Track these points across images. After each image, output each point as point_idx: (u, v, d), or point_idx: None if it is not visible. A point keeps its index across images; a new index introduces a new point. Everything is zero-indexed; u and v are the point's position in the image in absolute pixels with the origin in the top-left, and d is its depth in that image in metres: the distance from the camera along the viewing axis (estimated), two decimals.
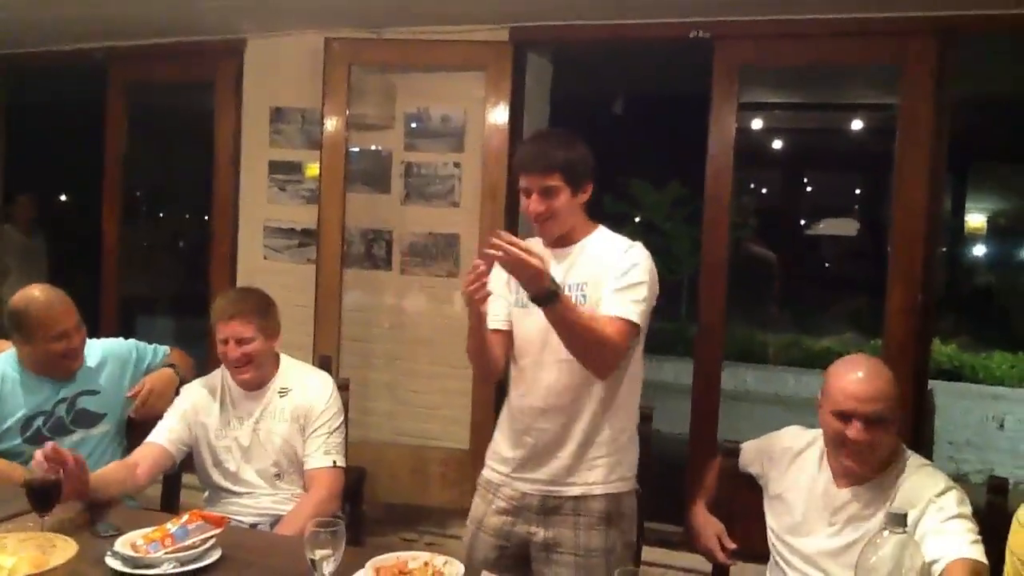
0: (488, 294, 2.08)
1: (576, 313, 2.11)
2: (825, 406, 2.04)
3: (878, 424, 1.96)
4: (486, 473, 2.44)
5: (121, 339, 3.03)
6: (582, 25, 4.05)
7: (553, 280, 2.04)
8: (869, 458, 1.99)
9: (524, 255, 1.97)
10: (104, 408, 2.81)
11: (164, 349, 3.05)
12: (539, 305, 2.06)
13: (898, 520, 1.48)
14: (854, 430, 1.95)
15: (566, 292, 2.15)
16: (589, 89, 6.15)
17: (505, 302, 2.34)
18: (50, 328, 2.65)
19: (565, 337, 2.13)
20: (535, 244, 2.29)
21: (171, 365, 2.97)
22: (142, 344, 3.01)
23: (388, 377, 4.39)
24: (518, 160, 2.28)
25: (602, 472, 2.29)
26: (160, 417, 2.69)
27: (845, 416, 1.97)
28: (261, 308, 2.67)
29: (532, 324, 2.26)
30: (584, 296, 2.23)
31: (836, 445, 2.02)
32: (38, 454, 2.09)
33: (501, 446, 2.40)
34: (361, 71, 4.31)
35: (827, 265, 12.38)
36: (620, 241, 2.30)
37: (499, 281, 2.27)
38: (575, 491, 2.28)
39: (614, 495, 2.30)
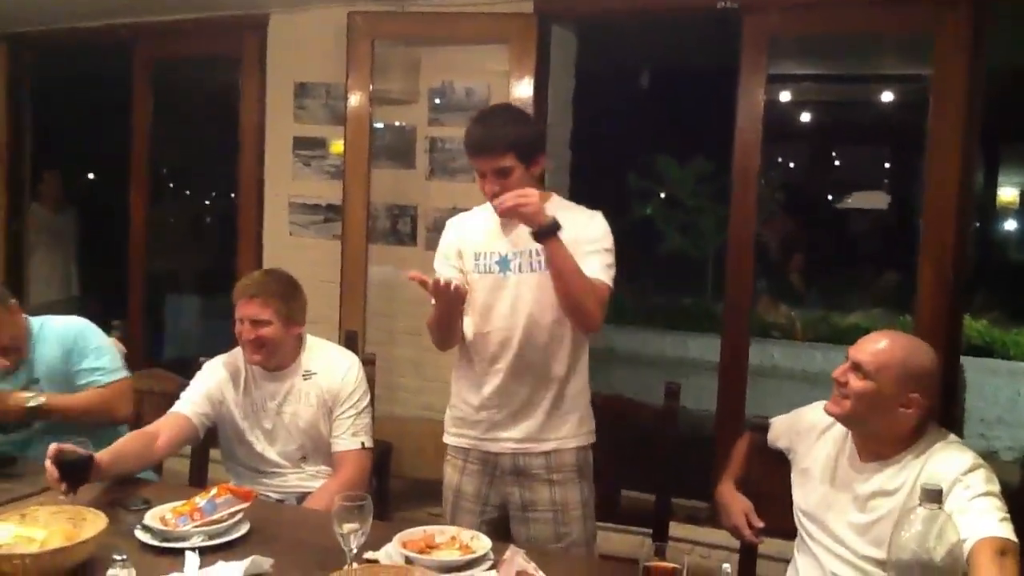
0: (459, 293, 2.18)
1: (568, 252, 2.20)
2: None
3: (859, 374, 1.98)
4: (452, 440, 2.49)
5: (76, 323, 2.81)
6: None
7: (549, 215, 2.16)
8: (843, 403, 2.01)
9: (518, 198, 2.12)
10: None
11: (105, 380, 2.74)
12: (541, 239, 2.16)
13: (933, 496, 1.46)
14: (839, 369, 2.03)
15: (534, 257, 2.30)
16: (614, 62, 6.09)
17: (457, 271, 2.41)
18: None
19: (561, 276, 2.21)
20: (487, 211, 2.41)
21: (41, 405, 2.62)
22: (95, 346, 2.76)
23: (413, 352, 4.38)
24: (468, 143, 2.31)
25: (572, 426, 2.40)
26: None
27: (847, 361, 2.04)
28: (285, 293, 2.60)
29: (499, 288, 2.34)
30: None
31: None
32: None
33: (467, 410, 2.44)
34: (385, 45, 4.28)
35: (855, 240, 12.22)
36: (580, 209, 2.40)
37: (452, 249, 2.43)
38: (547, 447, 2.37)
39: (583, 447, 2.42)
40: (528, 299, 2.32)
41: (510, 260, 2.34)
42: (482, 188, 2.32)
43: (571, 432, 2.39)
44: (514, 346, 2.34)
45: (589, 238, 2.30)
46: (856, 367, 1.99)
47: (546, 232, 2.15)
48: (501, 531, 2.38)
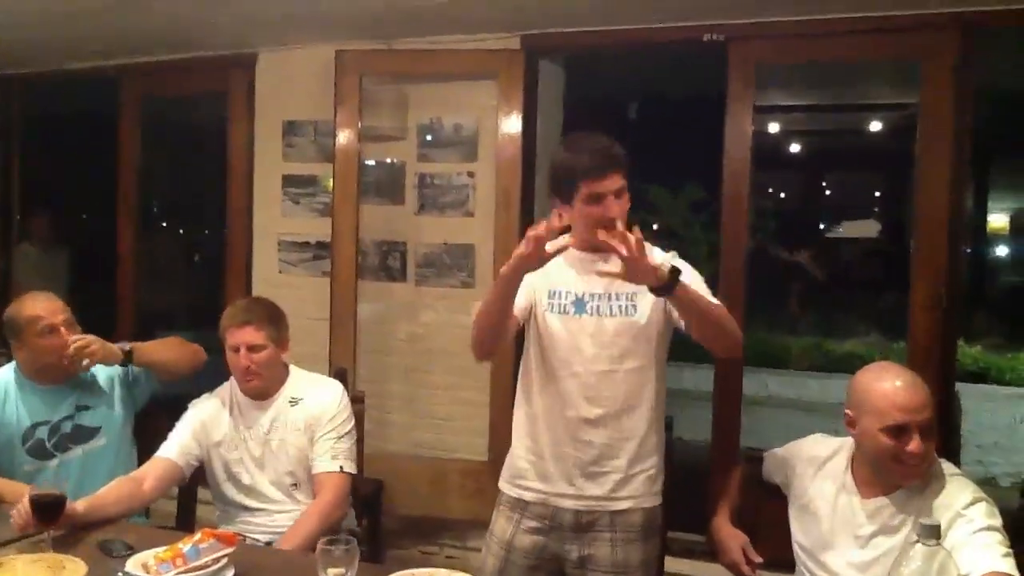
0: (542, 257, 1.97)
1: (693, 289, 2.05)
2: (870, 423, 1.91)
3: (930, 432, 1.87)
4: (513, 492, 2.31)
5: None
6: (594, 31, 4.00)
7: (665, 265, 1.97)
8: (924, 470, 1.91)
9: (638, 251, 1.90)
10: (98, 422, 2.75)
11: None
12: (662, 295, 2.01)
13: (931, 532, 1.43)
14: (914, 443, 1.84)
15: (613, 301, 2.15)
16: (602, 94, 6.11)
17: (527, 299, 2.22)
18: (37, 323, 2.63)
19: (695, 317, 2.07)
20: (562, 243, 2.10)
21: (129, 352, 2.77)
22: None
23: (405, 389, 4.36)
24: (592, 164, 2.11)
25: (646, 484, 2.25)
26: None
27: (901, 430, 1.86)
28: (272, 317, 2.65)
29: (572, 330, 2.18)
30: (635, 306, 2.17)
31: (891, 461, 1.89)
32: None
33: (532, 460, 2.27)
34: (373, 82, 4.28)
35: (848, 267, 12.25)
36: (656, 250, 2.20)
37: (527, 285, 2.16)
38: (620, 505, 2.22)
39: (651, 508, 2.26)
40: (605, 344, 2.16)
41: (586, 302, 2.18)
42: (597, 214, 2.10)
43: (642, 491, 2.23)
44: (589, 392, 2.18)
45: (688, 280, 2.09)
46: (929, 428, 1.86)
47: (668, 287, 1.96)
48: None
